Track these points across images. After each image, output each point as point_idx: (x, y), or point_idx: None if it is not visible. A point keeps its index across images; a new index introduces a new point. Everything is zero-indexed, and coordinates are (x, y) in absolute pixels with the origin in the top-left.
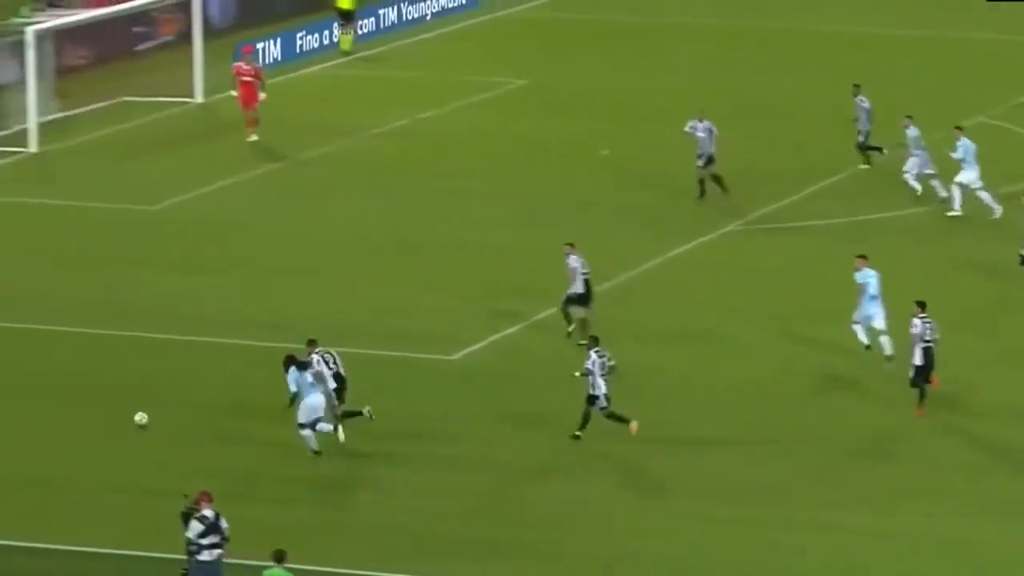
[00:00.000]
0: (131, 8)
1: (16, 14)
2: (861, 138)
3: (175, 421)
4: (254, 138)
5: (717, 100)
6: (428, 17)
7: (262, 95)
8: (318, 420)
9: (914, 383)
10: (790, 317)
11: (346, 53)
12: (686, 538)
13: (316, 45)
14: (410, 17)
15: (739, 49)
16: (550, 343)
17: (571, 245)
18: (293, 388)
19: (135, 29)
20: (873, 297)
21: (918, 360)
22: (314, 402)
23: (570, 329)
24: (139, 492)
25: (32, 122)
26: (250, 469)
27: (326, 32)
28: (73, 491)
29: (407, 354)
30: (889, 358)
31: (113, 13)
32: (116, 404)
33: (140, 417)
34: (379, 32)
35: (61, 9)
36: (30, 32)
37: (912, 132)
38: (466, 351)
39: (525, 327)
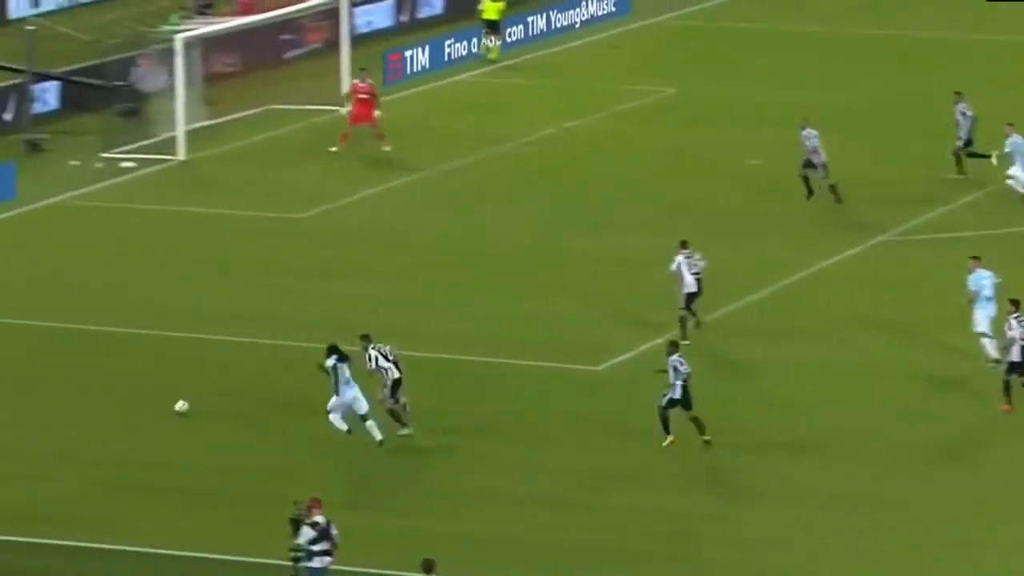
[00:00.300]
0: (279, 16)
1: (166, 22)
2: (960, 144)
3: (310, 428)
4: (387, 148)
5: (868, 109)
6: (577, 25)
7: (376, 112)
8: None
9: (1007, 381)
10: (942, 327)
11: (492, 62)
12: (809, 546)
13: (464, 53)
14: (559, 25)
15: (893, 60)
16: (690, 356)
17: (683, 243)
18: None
19: (283, 37)
20: (988, 299)
21: (1016, 357)
22: (347, 398)
23: (691, 324)
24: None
25: (180, 130)
26: (388, 476)
27: (474, 40)
28: (223, 500)
29: (553, 364)
30: (995, 361)
31: (261, 21)
32: (258, 412)
33: (181, 405)
34: (528, 40)
35: (210, 17)
36: (179, 40)
37: (1016, 140)
38: (612, 362)
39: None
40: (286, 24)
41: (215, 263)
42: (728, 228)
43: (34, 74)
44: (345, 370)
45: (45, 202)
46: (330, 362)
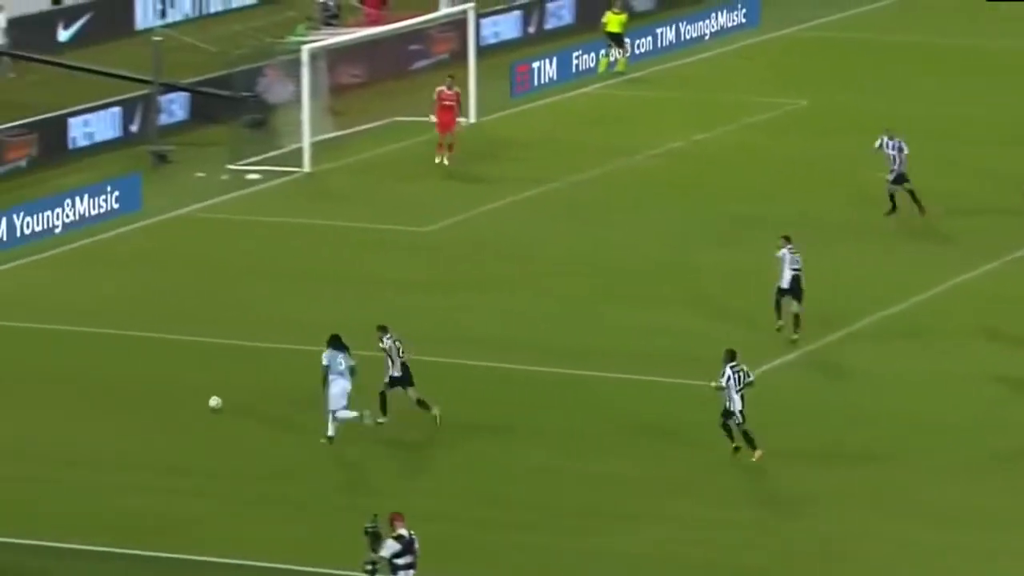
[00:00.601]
0: (406, 27)
1: (292, 33)
2: None
3: (438, 442)
4: (444, 162)
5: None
6: (707, 36)
7: (459, 119)
8: (340, 408)
9: None
10: None
11: (620, 73)
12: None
13: (592, 64)
14: (688, 36)
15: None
16: (826, 373)
17: (787, 239)
18: (325, 363)
19: (409, 48)
20: None
21: None
22: (338, 390)
23: (779, 324)
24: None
25: (306, 142)
26: (526, 496)
27: (602, 51)
28: (341, 511)
29: (678, 380)
30: None
31: (388, 32)
32: (386, 426)
33: (215, 402)
34: (656, 52)
35: (336, 28)
36: (305, 51)
37: None
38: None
39: (801, 355)
40: (413, 35)
41: (341, 276)
42: (859, 240)
43: (161, 85)
44: (341, 361)
45: (170, 214)
46: (327, 354)
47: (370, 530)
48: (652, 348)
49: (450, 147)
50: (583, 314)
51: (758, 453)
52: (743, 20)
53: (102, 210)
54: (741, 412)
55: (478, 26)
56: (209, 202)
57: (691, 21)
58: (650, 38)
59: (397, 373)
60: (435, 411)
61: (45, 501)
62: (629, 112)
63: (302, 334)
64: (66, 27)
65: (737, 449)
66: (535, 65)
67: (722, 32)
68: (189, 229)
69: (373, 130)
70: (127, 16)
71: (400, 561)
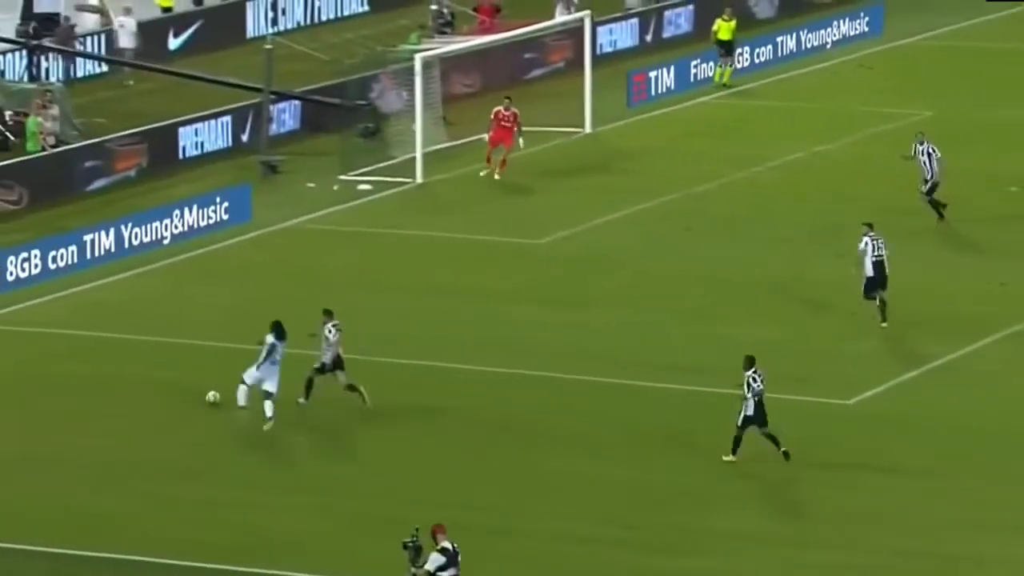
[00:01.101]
0: (520, 35)
1: (405, 41)
2: None
3: (543, 460)
4: (496, 176)
5: None
6: (828, 45)
7: (520, 141)
8: (260, 384)
9: None
10: None
11: (725, 86)
12: None
13: (711, 74)
14: (809, 45)
15: None
16: (954, 390)
17: (869, 225)
18: (271, 341)
19: (524, 56)
20: None
21: None
22: (264, 373)
23: (883, 325)
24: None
25: (419, 152)
26: (633, 514)
27: (719, 61)
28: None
29: (800, 398)
30: None
31: (502, 40)
32: (488, 443)
33: (212, 396)
34: (777, 61)
35: (449, 36)
36: (418, 60)
37: None
38: (863, 396)
39: (929, 371)
40: (527, 43)
41: (451, 289)
42: (984, 255)
43: (272, 93)
44: (278, 352)
45: (280, 225)
46: (269, 339)
47: (410, 544)
48: (769, 365)
49: (502, 163)
50: (699, 329)
51: (731, 458)
52: (866, 28)
53: (211, 221)
54: (755, 418)
55: (594, 34)
56: (319, 213)
57: (812, 29)
58: (770, 47)
59: (327, 361)
60: (364, 393)
61: (164, 515)
62: (748, 122)
63: (411, 348)
64: (176, 35)
65: (786, 454)
66: (652, 74)
67: (844, 41)
68: (299, 240)
69: (486, 140)
70: (238, 24)
71: (445, 573)
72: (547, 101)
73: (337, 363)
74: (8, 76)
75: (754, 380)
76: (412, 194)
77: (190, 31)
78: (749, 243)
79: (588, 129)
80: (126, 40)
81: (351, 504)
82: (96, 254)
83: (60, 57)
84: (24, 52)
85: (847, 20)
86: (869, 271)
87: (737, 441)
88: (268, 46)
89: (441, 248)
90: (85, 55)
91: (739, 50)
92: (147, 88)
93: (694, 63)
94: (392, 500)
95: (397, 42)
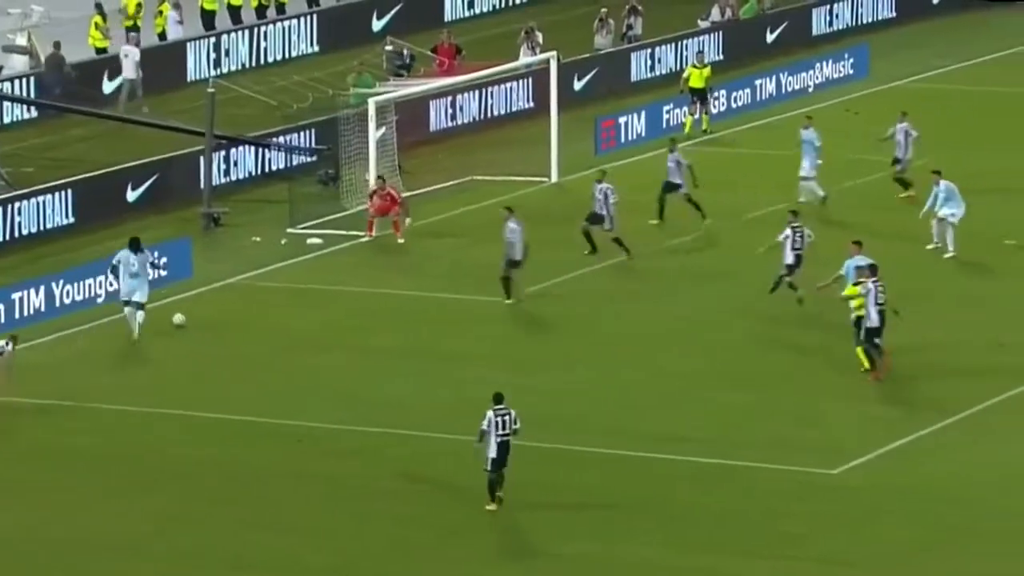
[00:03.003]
0: (483, 77)
1: (357, 83)
2: None
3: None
4: (400, 241)
5: None
6: (810, 88)
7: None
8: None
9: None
10: None
11: (705, 132)
12: None
13: (683, 119)
14: (790, 89)
15: None
16: (947, 458)
17: (793, 213)
18: (115, 262)
19: (486, 100)
20: None
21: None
22: (131, 286)
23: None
24: None
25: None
26: None
27: (685, 109)
28: None
29: (779, 467)
30: None
31: (461, 83)
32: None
33: (178, 318)
34: (755, 105)
35: (406, 79)
36: (372, 104)
37: None
38: (849, 465)
39: (920, 437)
40: (490, 87)
41: (411, 350)
42: (981, 312)
43: (223, 139)
44: (132, 263)
45: (223, 282)
46: (122, 253)
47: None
48: (747, 433)
49: (395, 224)
50: (673, 392)
51: (492, 506)
52: (851, 71)
53: (149, 277)
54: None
55: (561, 77)
56: (265, 269)
57: (793, 72)
58: (748, 90)
59: None
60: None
61: None
62: (727, 171)
63: (368, 412)
64: (112, 77)
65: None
66: (622, 120)
67: (827, 84)
68: (243, 299)
69: (446, 190)
70: (179, 65)
71: None
72: (510, 148)
73: None
74: None
75: (499, 421)
76: (366, 248)
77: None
78: (725, 299)
79: (554, 178)
80: (129, 70)
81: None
82: (25, 313)
83: None
84: None
85: (830, 62)
86: (789, 259)
87: (491, 486)
88: (210, 89)
89: (395, 306)
90: (11, 99)
91: (715, 94)
92: (79, 134)
93: (667, 108)
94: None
95: (349, 85)
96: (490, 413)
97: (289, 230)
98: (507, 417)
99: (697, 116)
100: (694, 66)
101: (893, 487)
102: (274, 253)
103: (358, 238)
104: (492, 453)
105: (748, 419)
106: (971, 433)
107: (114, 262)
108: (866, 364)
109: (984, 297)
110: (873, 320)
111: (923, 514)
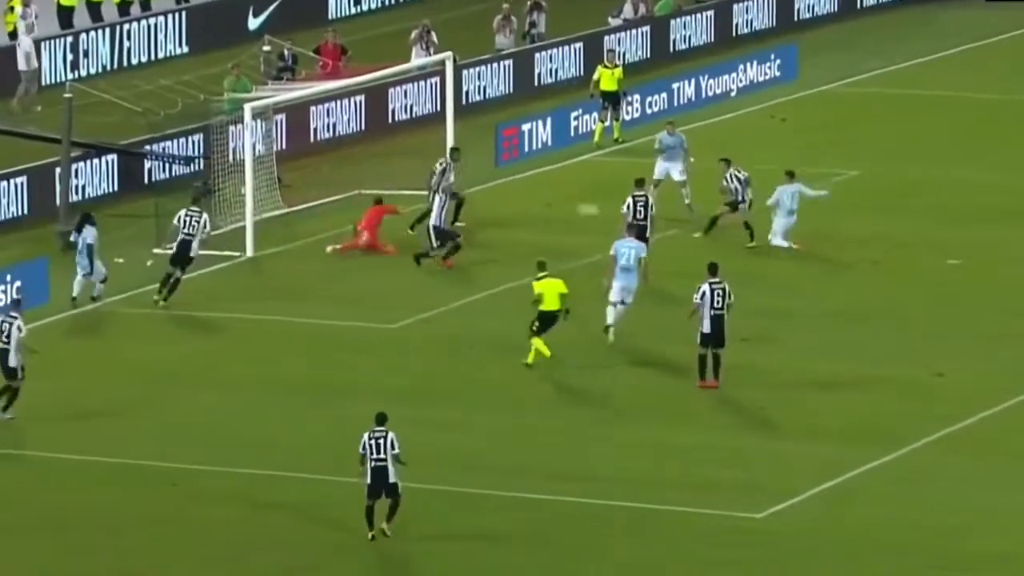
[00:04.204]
0: (372, 81)
1: (234, 88)
2: None
3: None
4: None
5: None
6: (733, 92)
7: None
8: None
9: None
10: None
11: (617, 141)
12: None
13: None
14: (710, 93)
15: None
16: (878, 501)
17: (712, 269)
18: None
19: (375, 106)
20: None
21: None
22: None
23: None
24: None
25: (249, 220)
26: None
27: (594, 115)
28: None
29: (701, 511)
30: None
31: (349, 87)
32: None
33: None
34: (672, 110)
35: (286, 83)
36: (248, 110)
37: None
38: (775, 508)
39: (851, 478)
40: (380, 91)
41: (293, 383)
42: (918, 340)
43: (86, 145)
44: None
45: (82, 308)
46: (87, 232)
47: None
48: (660, 472)
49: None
50: (581, 430)
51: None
52: (777, 73)
53: (0, 303)
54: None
55: (458, 80)
56: (129, 293)
57: (714, 75)
58: (665, 95)
59: None
60: None
61: None
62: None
63: (245, 452)
64: None
65: None
66: (525, 127)
67: (752, 87)
68: (105, 326)
69: (329, 205)
70: None
71: None
72: (402, 159)
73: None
74: None
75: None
76: (241, 270)
77: None
78: (641, 326)
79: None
80: (23, 62)
81: None
82: None
83: None
84: None
85: (755, 63)
86: (705, 326)
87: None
88: (67, 95)
89: (273, 334)
90: None
91: (628, 99)
92: None
93: (575, 114)
94: None
95: (222, 89)
96: (365, 436)
97: (156, 250)
98: (382, 440)
99: (608, 123)
100: (604, 67)
101: (821, 534)
102: (139, 276)
103: (234, 258)
104: (367, 479)
105: (661, 457)
106: (906, 474)
107: (89, 242)
108: (535, 355)
109: (921, 321)
110: (705, 326)
111: (855, 564)
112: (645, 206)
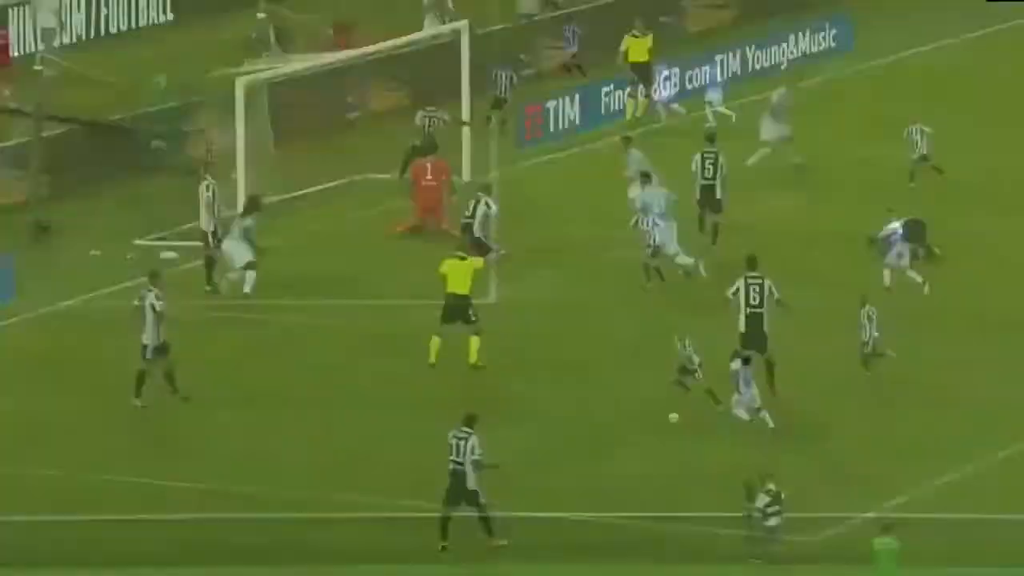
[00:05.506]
0: (379, 52)
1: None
2: None
3: None
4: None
5: None
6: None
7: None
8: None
9: None
10: None
11: (636, 121)
12: None
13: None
14: (759, 66)
15: None
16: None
17: (750, 262)
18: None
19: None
20: None
21: None
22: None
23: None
24: None
25: (239, 207)
26: None
27: (627, 89)
28: None
29: None
30: None
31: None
32: None
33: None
34: (716, 85)
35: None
36: (239, 85)
37: None
38: None
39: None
40: (388, 63)
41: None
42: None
43: (52, 119)
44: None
45: (53, 307)
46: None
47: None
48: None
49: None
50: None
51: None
52: (832, 44)
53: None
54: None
55: (475, 51)
56: (108, 290)
57: (762, 46)
58: (707, 68)
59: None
60: None
61: None
62: (679, 166)
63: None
64: None
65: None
66: (550, 105)
67: (804, 59)
68: (80, 326)
69: (327, 192)
70: None
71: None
72: (408, 140)
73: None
74: None
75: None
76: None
77: None
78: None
79: (467, 177)
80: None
81: None
82: None
83: None
84: None
85: (808, 33)
86: (741, 325)
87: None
88: (38, 67)
89: (273, 332)
90: None
91: (665, 73)
92: None
93: (606, 90)
94: None
95: (216, 63)
96: (449, 434)
97: (137, 241)
98: (463, 443)
99: (643, 98)
100: (633, 36)
101: None
102: (118, 270)
103: None
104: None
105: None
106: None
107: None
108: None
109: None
110: (740, 325)
111: None
112: (715, 164)
